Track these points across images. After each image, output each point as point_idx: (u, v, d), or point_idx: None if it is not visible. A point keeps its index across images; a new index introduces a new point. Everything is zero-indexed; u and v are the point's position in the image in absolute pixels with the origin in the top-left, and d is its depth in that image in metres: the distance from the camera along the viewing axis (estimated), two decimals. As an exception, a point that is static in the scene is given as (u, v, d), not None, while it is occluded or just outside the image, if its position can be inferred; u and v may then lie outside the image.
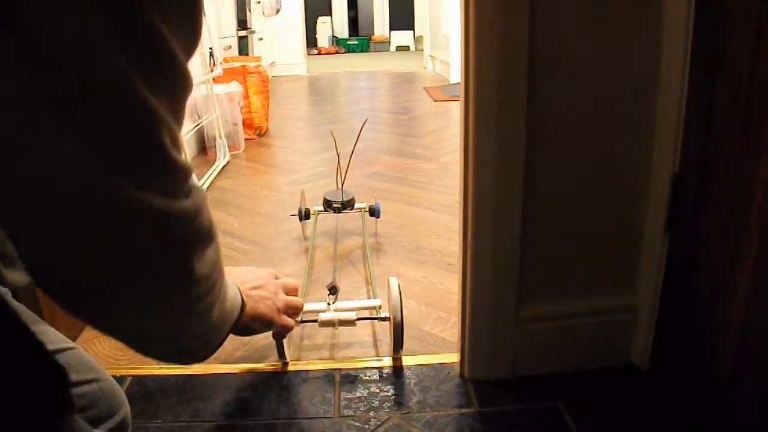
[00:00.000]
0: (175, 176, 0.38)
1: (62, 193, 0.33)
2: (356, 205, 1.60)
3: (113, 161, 0.33)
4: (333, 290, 1.11)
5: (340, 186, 1.59)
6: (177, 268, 0.42)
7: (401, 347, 1.05)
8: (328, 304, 1.08)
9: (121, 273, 0.39)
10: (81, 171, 0.32)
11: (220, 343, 0.63)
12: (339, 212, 1.56)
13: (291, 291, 0.95)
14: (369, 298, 1.30)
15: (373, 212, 1.62)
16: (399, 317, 1.02)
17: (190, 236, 0.42)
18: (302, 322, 1.09)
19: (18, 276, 0.48)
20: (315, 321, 1.06)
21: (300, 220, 1.62)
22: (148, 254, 0.39)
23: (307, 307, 1.10)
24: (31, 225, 0.34)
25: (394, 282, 1.08)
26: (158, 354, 0.56)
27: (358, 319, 1.08)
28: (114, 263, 0.38)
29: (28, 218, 0.34)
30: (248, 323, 0.81)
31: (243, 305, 0.73)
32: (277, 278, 1.01)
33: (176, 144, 0.37)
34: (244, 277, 0.85)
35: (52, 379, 0.49)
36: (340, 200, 1.56)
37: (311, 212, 1.62)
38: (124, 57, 0.31)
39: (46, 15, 0.28)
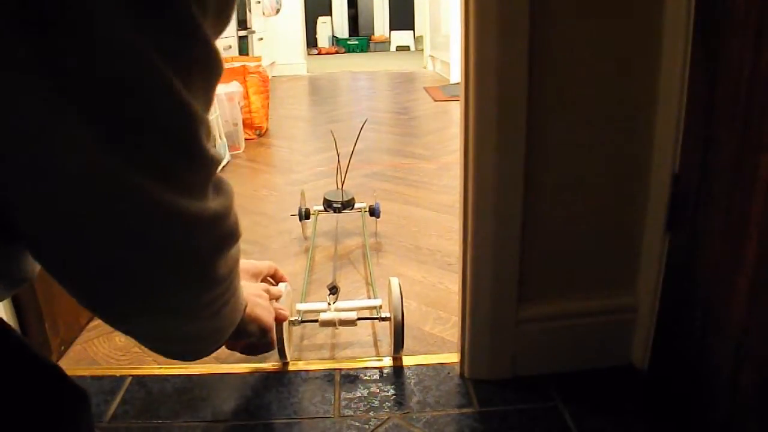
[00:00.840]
0: (207, 171, 0.38)
1: (95, 193, 0.32)
2: (356, 205, 1.60)
3: (147, 162, 0.33)
4: (333, 290, 1.11)
5: (340, 186, 1.60)
6: (202, 271, 0.42)
7: (402, 347, 1.05)
8: (329, 304, 1.08)
9: (146, 274, 0.38)
10: (110, 170, 0.32)
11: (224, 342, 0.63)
12: (339, 212, 1.56)
13: (274, 297, 0.94)
14: (369, 298, 1.30)
15: (373, 212, 1.63)
16: (399, 317, 1.02)
17: (218, 238, 0.42)
18: (303, 321, 1.09)
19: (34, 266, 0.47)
20: (315, 321, 1.07)
21: (300, 220, 1.62)
22: (174, 257, 0.38)
23: (308, 307, 1.11)
24: (63, 226, 0.34)
25: (395, 282, 1.08)
26: (169, 351, 0.56)
27: (359, 318, 1.08)
28: (141, 264, 0.37)
29: (60, 221, 0.33)
30: (246, 325, 0.78)
31: (245, 306, 0.73)
32: (276, 272, 1.01)
33: (209, 136, 0.36)
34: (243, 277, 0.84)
35: (77, 403, 0.49)
36: (340, 200, 1.56)
37: (311, 212, 1.62)
38: (158, 52, 0.30)
39: (74, 14, 0.27)
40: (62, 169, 0.31)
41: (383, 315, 1.08)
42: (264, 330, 0.82)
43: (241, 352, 0.92)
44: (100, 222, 0.34)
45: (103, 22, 0.28)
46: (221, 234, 0.42)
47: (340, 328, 1.11)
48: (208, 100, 0.36)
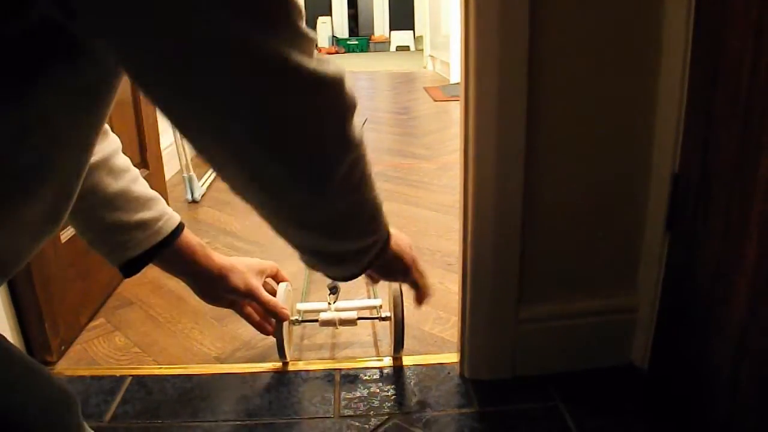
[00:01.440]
0: (314, 43, 0.42)
1: (223, 57, 0.37)
2: None
3: (262, 23, 0.37)
4: (334, 290, 1.11)
5: None
6: (336, 128, 0.45)
7: (402, 347, 1.05)
8: (329, 303, 1.08)
9: (283, 129, 0.42)
10: (234, 35, 0.36)
11: (372, 256, 0.64)
12: None
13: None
14: (370, 297, 1.30)
15: None
16: (400, 317, 1.02)
17: (341, 98, 0.44)
18: (302, 321, 1.09)
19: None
20: (315, 321, 1.07)
21: None
22: (309, 112, 0.42)
23: (308, 306, 1.11)
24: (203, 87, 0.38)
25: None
26: (325, 251, 0.59)
27: (359, 318, 1.08)
28: (278, 120, 0.41)
29: (201, 84, 0.38)
30: (393, 258, 0.75)
31: (389, 234, 0.70)
32: (277, 273, 1.01)
33: (302, 16, 0.41)
34: None
35: (65, 407, 0.49)
36: None
37: None
38: None
39: None
40: (195, 34, 0.36)
41: (383, 315, 1.08)
42: (405, 271, 0.80)
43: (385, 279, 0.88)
44: (228, 78, 0.38)
45: None
46: (346, 95, 0.45)
47: (341, 327, 1.11)
48: None
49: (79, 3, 0.34)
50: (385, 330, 1.17)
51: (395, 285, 1.06)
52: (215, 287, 0.86)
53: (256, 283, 0.92)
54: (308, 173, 0.45)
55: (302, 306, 1.11)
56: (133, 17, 0.34)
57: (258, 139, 0.41)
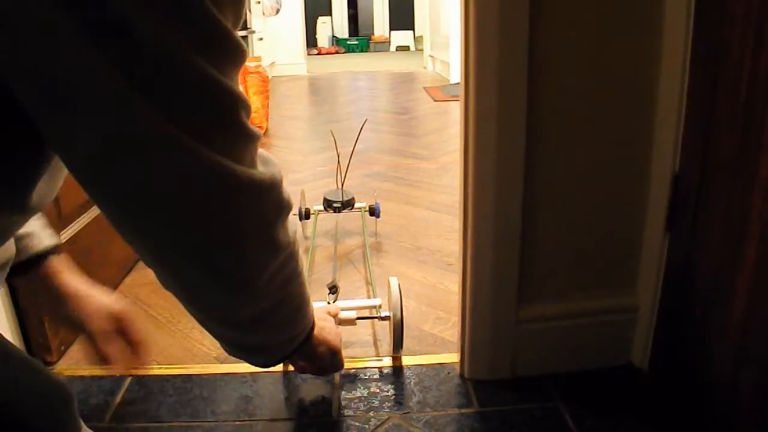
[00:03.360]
0: (250, 143, 0.41)
1: (162, 169, 0.37)
2: (356, 205, 1.60)
3: (202, 137, 0.37)
4: (333, 289, 1.11)
5: (340, 186, 1.60)
6: (262, 233, 0.44)
7: (401, 346, 1.06)
8: (329, 303, 1.08)
9: (207, 238, 0.41)
10: (176, 148, 0.36)
11: (296, 345, 0.64)
12: (339, 212, 1.56)
13: (333, 315, 0.96)
14: (369, 297, 1.30)
15: (373, 212, 1.63)
16: (399, 316, 1.02)
17: (272, 204, 0.44)
18: None
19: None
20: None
21: (300, 219, 1.62)
22: (234, 218, 0.42)
23: None
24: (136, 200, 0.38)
25: (394, 281, 1.08)
26: (246, 346, 0.57)
27: (359, 318, 1.08)
28: (204, 225, 0.41)
29: (136, 198, 0.38)
30: (317, 346, 0.78)
31: (313, 324, 0.72)
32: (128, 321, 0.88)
33: (249, 114, 0.40)
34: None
35: (62, 403, 0.49)
36: (340, 200, 1.56)
37: (311, 212, 1.62)
38: (193, 48, 0.35)
39: (124, 18, 0.32)
40: (125, 133, 0.35)
41: (383, 314, 1.08)
42: (333, 351, 0.84)
43: (311, 373, 0.92)
44: (163, 188, 0.38)
45: (143, 25, 0.33)
46: (275, 200, 0.45)
47: (340, 327, 1.11)
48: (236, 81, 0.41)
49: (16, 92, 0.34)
50: (385, 330, 1.17)
51: (395, 285, 1.06)
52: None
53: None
54: (232, 278, 0.44)
55: None
56: (67, 112, 0.34)
57: (177, 244, 0.40)
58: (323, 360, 0.83)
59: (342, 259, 1.53)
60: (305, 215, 1.61)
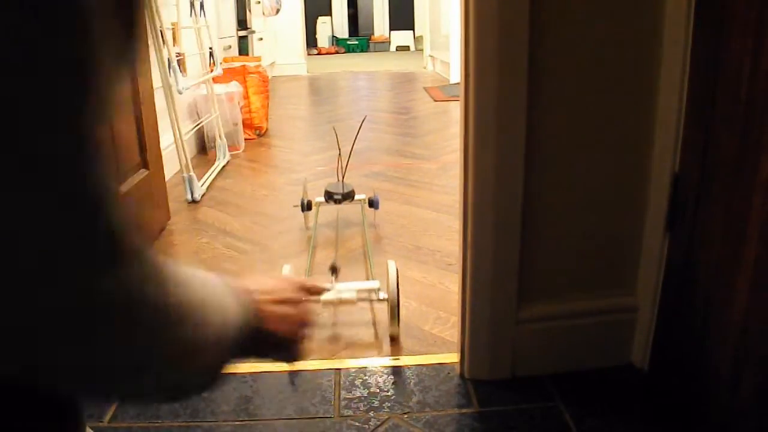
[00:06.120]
0: (112, 243, 0.38)
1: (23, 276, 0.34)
2: (356, 197, 1.64)
3: (69, 248, 0.33)
4: (334, 270, 1.14)
5: (340, 179, 1.63)
6: (144, 356, 0.41)
7: (398, 323, 1.11)
8: (331, 283, 1.10)
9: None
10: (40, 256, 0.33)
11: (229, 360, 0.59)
12: (339, 203, 1.60)
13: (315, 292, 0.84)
14: (368, 280, 1.34)
15: (372, 203, 1.67)
16: (395, 296, 1.09)
17: (148, 314, 0.41)
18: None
19: None
20: (317, 302, 1.08)
21: (302, 210, 1.66)
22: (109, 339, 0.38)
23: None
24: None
25: (392, 265, 1.14)
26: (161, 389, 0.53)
27: (359, 299, 1.11)
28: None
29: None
30: (256, 345, 0.70)
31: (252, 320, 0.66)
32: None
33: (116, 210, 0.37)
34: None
35: (65, 417, 0.48)
36: (341, 192, 1.60)
37: (313, 203, 1.66)
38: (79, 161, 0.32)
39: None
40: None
41: (381, 296, 1.12)
42: (279, 345, 0.73)
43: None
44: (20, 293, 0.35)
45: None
46: (154, 308, 0.41)
47: (340, 317, 1.13)
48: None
49: None
50: (385, 328, 1.17)
51: (392, 268, 1.13)
52: None
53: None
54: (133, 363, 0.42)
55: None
56: None
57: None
58: (270, 356, 0.74)
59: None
60: (307, 206, 1.65)
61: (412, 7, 9.35)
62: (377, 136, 3.01)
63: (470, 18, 0.85)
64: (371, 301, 1.18)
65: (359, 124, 1.76)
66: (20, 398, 0.45)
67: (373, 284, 1.15)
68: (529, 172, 0.92)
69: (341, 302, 1.08)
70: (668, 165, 0.91)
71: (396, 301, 1.10)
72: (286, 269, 1.04)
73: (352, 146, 1.68)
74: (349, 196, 1.62)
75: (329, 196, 1.61)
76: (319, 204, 1.66)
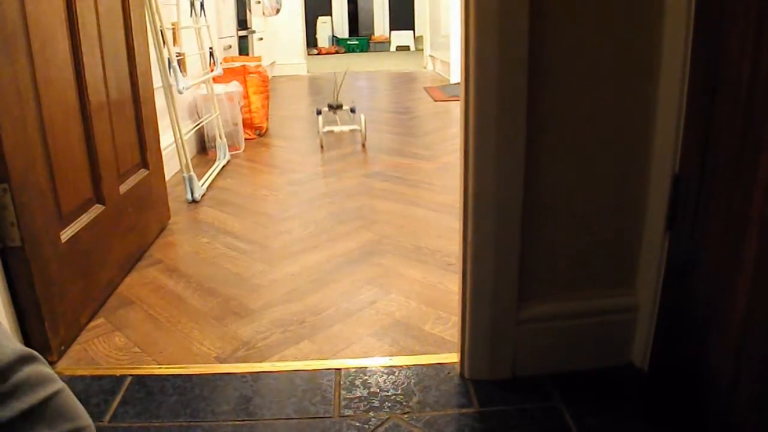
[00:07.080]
0: None
1: None
2: (343, 107, 2.92)
3: None
4: (332, 107, 1.88)
5: (335, 97, 2.91)
6: None
7: (364, 143, 1.83)
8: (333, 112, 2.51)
9: None
10: None
11: None
12: (335, 111, 2.91)
13: None
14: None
15: (353, 110, 3.04)
16: (365, 131, 2.57)
17: None
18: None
19: None
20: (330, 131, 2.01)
21: (317, 115, 2.86)
22: None
23: (328, 128, 2.73)
24: None
25: (362, 117, 2.61)
26: None
27: (351, 130, 2.60)
28: None
29: None
30: None
31: None
32: None
33: None
34: None
35: None
36: (335, 104, 2.89)
37: (321, 111, 2.87)
38: None
39: None
40: None
41: (354, 128, 2.60)
42: None
43: None
44: None
45: None
46: None
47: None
48: None
49: None
50: (386, 328, 1.17)
51: (362, 119, 1.98)
52: None
53: None
54: None
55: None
56: None
57: None
58: None
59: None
60: (318, 112, 2.86)
61: (412, 7, 9.35)
62: (377, 136, 3.01)
63: (470, 18, 0.85)
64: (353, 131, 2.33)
65: (341, 78, 3.10)
66: None
67: (355, 126, 2.61)
68: (529, 172, 0.92)
69: (341, 131, 2.26)
70: (668, 165, 0.91)
71: (365, 132, 2.57)
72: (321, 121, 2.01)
73: (341, 83, 3.09)
74: (339, 106, 2.89)
75: (329, 107, 2.90)
76: (324, 111, 2.90)
